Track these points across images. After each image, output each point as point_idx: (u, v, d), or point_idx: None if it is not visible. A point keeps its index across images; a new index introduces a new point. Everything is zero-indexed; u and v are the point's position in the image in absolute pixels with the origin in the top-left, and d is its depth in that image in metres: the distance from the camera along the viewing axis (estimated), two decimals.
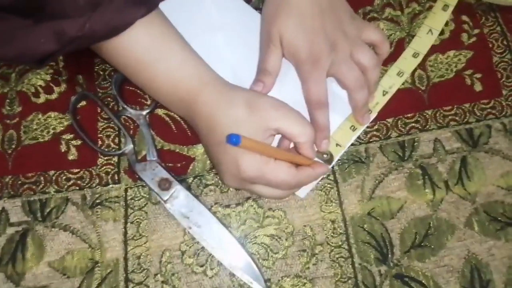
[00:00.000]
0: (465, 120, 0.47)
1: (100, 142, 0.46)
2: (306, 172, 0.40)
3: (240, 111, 0.39)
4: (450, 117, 0.47)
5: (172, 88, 0.41)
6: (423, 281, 0.42)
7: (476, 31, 0.51)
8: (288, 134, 0.40)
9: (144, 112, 0.47)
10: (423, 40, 0.49)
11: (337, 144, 0.45)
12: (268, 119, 0.39)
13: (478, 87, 0.49)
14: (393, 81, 0.48)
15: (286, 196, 0.43)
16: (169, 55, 0.41)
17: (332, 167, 0.45)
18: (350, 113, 0.46)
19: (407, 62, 0.49)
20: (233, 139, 0.34)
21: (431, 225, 0.44)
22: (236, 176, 0.39)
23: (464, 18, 0.51)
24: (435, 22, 0.50)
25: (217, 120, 0.39)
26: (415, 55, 0.49)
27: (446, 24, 0.51)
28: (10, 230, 0.43)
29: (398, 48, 0.50)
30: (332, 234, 0.43)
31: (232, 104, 0.39)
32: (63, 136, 0.46)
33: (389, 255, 0.43)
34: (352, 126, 0.46)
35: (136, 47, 0.40)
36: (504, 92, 0.48)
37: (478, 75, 0.49)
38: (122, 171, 0.45)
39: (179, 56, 0.41)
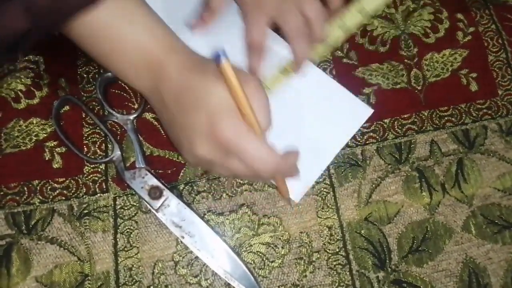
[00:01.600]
0: (461, 121, 0.47)
1: (86, 149, 0.44)
2: (287, 161, 0.35)
3: (211, 77, 0.33)
4: (446, 118, 0.47)
5: (141, 55, 0.37)
6: (421, 287, 0.41)
7: (472, 29, 0.50)
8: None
9: (131, 117, 0.45)
10: None
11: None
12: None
13: (474, 87, 0.48)
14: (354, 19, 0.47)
15: (257, 179, 0.40)
16: (138, 23, 0.37)
17: (328, 171, 0.44)
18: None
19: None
20: (219, 56, 0.31)
21: (428, 229, 0.43)
22: (209, 138, 0.33)
23: (459, 16, 0.50)
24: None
25: (189, 83, 0.34)
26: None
27: (441, 22, 0.50)
28: None
29: (393, 46, 0.49)
30: (329, 240, 0.42)
31: (204, 69, 0.35)
32: (47, 144, 0.44)
33: (387, 261, 0.42)
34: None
35: (106, 16, 0.36)
36: (499, 92, 0.48)
37: (474, 75, 0.48)
38: (110, 179, 0.43)
39: (149, 24, 0.38)
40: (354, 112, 0.45)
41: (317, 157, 0.44)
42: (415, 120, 0.46)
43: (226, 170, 0.35)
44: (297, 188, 0.43)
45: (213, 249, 0.41)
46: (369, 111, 0.45)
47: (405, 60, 0.48)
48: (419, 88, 0.48)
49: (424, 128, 0.46)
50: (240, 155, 0.32)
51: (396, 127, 0.46)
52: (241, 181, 0.44)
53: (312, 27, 0.42)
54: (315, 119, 0.45)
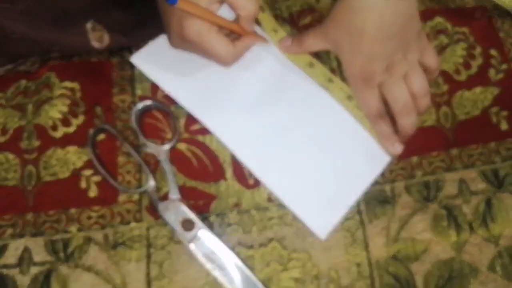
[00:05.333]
0: (491, 159, 0.47)
1: (120, 178, 0.45)
2: (241, 45, 0.43)
3: None
4: (475, 156, 0.47)
5: None
6: None
7: (504, 66, 0.50)
8: (232, 4, 0.41)
9: (165, 147, 0.46)
10: None
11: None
12: None
13: (504, 125, 0.48)
14: None
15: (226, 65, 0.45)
16: None
17: (358, 207, 0.45)
18: None
19: None
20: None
21: (454, 268, 0.44)
22: (179, 36, 0.41)
23: (493, 52, 0.50)
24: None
25: None
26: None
27: (474, 58, 0.50)
28: (34, 270, 0.42)
29: None
30: (357, 277, 0.43)
31: None
32: (83, 172, 0.45)
33: None
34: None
35: None
36: None
37: (504, 113, 0.48)
38: (144, 209, 0.44)
39: None
40: (377, 154, 0.46)
41: (342, 194, 0.45)
42: (444, 158, 0.47)
43: (200, 56, 0.44)
44: (323, 225, 0.44)
45: (243, 282, 0.42)
46: (386, 160, 0.46)
47: (435, 98, 0.49)
48: (448, 126, 0.48)
49: (453, 166, 0.47)
50: (204, 53, 0.42)
51: (424, 165, 0.47)
52: (271, 215, 0.45)
53: (416, 102, 0.43)
54: (340, 155, 0.46)
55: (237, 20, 0.43)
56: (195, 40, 0.40)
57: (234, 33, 0.43)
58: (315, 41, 0.46)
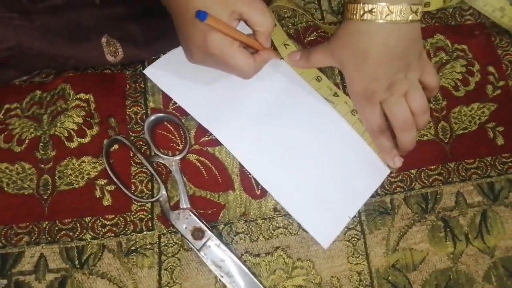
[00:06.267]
0: (487, 173, 0.49)
1: (133, 188, 0.47)
2: (260, 59, 0.45)
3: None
4: (472, 170, 0.49)
5: None
6: None
7: (502, 83, 0.52)
8: (249, 21, 0.43)
9: (177, 158, 0.48)
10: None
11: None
12: (235, 3, 0.41)
13: (500, 140, 0.50)
14: None
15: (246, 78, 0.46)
16: None
17: (360, 218, 0.47)
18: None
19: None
20: (201, 15, 0.39)
21: (451, 277, 0.46)
22: (202, 50, 0.42)
23: (491, 69, 0.52)
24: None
25: (192, 4, 0.41)
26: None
27: (472, 75, 0.52)
28: (49, 277, 0.44)
29: None
30: (358, 286, 0.45)
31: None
32: (98, 182, 0.47)
33: None
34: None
35: None
36: None
37: (501, 128, 0.50)
38: (155, 218, 0.46)
39: None
40: (378, 166, 0.49)
41: (344, 205, 0.47)
42: (442, 171, 0.49)
43: (219, 69, 0.46)
44: (326, 235, 0.46)
45: None
46: (386, 173, 0.48)
47: (434, 113, 0.51)
48: (446, 140, 0.50)
49: (450, 179, 0.49)
50: (226, 66, 0.43)
51: (423, 177, 0.49)
52: (277, 225, 0.47)
53: (416, 119, 0.45)
54: (343, 167, 0.48)
55: (254, 35, 0.45)
56: (218, 54, 0.41)
57: (252, 48, 0.45)
58: (321, 58, 0.48)
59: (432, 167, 0.49)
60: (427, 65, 0.46)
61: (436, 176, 0.49)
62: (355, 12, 0.42)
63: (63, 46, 0.46)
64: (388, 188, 0.48)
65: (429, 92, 0.47)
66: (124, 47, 0.48)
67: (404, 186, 0.48)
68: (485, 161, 0.50)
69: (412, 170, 0.49)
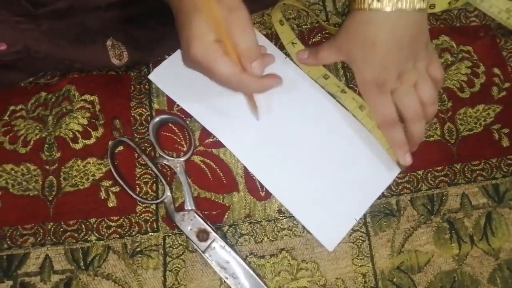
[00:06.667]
0: (492, 175, 0.49)
1: (138, 189, 0.47)
2: (250, 78, 0.42)
3: (196, 6, 0.40)
4: (477, 172, 0.49)
5: None
6: None
7: (507, 84, 0.52)
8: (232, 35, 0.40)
9: (181, 160, 0.48)
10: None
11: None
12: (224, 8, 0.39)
13: (505, 142, 0.50)
14: None
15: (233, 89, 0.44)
16: None
17: (365, 220, 0.47)
18: None
19: None
20: None
21: (456, 279, 0.46)
22: (187, 55, 0.41)
23: (496, 70, 0.52)
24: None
25: (181, 7, 0.41)
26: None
27: (477, 76, 0.52)
28: (54, 278, 0.44)
29: None
30: (362, 287, 0.45)
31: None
32: (103, 183, 0.47)
33: None
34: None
35: None
36: None
37: (506, 130, 0.50)
38: (160, 219, 0.46)
39: None
40: (385, 168, 0.48)
41: (349, 208, 0.47)
42: (448, 172, 0.49)
43: (208, 78, 0.43)
44: (331, 237, 0.46)
45: None
46: (394, 174, 0.48)
47: (440, 114, 0.51)
48: (452, 141, 0.50)
49: (456, 181, 0.49)
50: (209, 72, 0.41)
51: (429, 178, 0.49)
52: (281, 226, 0.47)
53: (425, 109, 0.45)
54: (348, 169, 0.48)
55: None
56: (200, 59, 0.40)
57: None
58: (329, 54, 0.48)
59: (438, 168, 0.49)
60: (433, 57, 0.46)
61: (442, 178, 0.49)
62: (363, 1, 0.42)
63: (69, 49, 0.46)
64: (394, 190, 0.48)
65: (435, 84, 0.46)
66: (129, 50, 0.48)
67: (411, 187, 0.48)
68: (490, 162, 0.49)
69: (419, 171, 0.49)
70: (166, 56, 0.51)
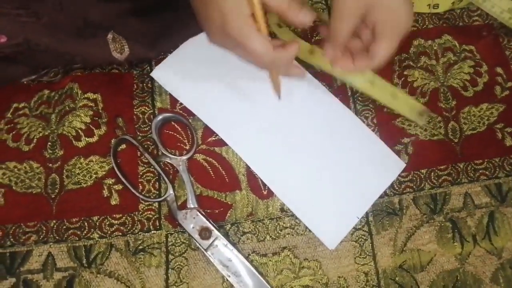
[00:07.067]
0: (495, 174, 0.49)
1: (140, 187, 0.47)
2: (279, 49, 0.41)
3: None
4: (480, 171, 0.49)
5: None
6: None
7: (510, 84, 0.52)
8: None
9: (184, 158, 0.48)
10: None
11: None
12: None
13: (508, 141, 0.50)
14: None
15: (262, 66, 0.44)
16: None
17: (367, 218, 0.47)
18: None
19: None
20: None
21: (458, 278, 0.46)
22: (220, 30, 0.40)
23: (498, 70, 0.52)
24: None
25: None
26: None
27: (480, 75, 0.52)
28: (57, 275, 0.44)
29: (432, 98, 0.51)
30: (365, 286, 0.45)
31: None
32: (105, 181, 0.47)
33: None
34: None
35: None
36: None
37: (509, 129, 0.50)
38: (163, 217, 0.46)
39: None
40: (388, 165, 0.48)
41: (351, 206, 0.47)
42: (451, 172, 0.49)
43: (236, 55, 0.44)
44: (332, 236, 0.46)
45: None
46: (402, 166, 0.48)
47: (443, 113, 0.51)
48: (456, 140, 0.50)
49: (459, 180, 0.49)
50: (242, 48, 0.40)
51: (432, 178, 0.49)
52: (284, 225, 0.47)
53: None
54: (351, 168, 0.48)
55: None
56: (236, 35, 0.39)
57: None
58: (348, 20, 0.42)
59: (441, 167, 0.49)
60: None
61: (446, 177, 0.49)
62: None
63: (69, 42, 0.46)
64: (397, 188, 0.48)
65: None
66: (130, 44, 0.48)
67: (414, 186, 0.48)
68: (493, 162, 0.49)
69: (422, 170, 0.49)
70: (168, 53, 0.50)
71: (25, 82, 0.50)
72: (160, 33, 0.50)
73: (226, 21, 0.39)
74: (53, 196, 0.46)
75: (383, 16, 0.41)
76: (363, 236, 0.47)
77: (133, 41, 0.48)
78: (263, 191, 0.48)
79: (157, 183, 0.47)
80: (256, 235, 0.46)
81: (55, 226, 0.45)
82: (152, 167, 0.48)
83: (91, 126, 0.49)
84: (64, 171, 0.47)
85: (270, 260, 0.46)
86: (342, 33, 0.42)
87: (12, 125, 0.48)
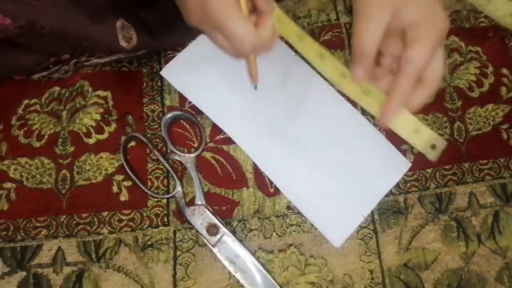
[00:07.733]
0: (500, 175, 0.49)
1: (149, 184, 0.48)
2: (261, 30, 0.38)
3: None
4: (485, 171, 0.49)
5: None
6: None
7: None
8: None
9: (192, 155, 0.48)
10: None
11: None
12: None
13: None
14: None
15: (238, 55, 0.40)
16: None
17: (373, 217, 0.47)
18: None
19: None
20: None
21: (463, 277, 0.46)
22: (199, 10, 0.37)
23: (504, 71, 0.53)
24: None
25: None
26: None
27: (486, 76, 0.52)
28: (66, 270, 0.45)
29: (438, 98, 0.51)
30: (370, 284, 0.46)
31: None
32: (115, 177, 0.48)
33: None
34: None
35: None
36: None
37: None
38: (171, 214, 0.47)
39: None
40: (394, 164, 0.49)
41: (357, 205, 0.48)
42: (456, 171, 0.49)
43: (213, 40, 0.39)
44: (338, 234, 0.47)
45: (262, 285, 0.45)
46: (407, 165, 0.49)
47: (449, 113, 0.51)
48: (461, 140, 0.50)
49: (464, 180, 0.49)
50: (222, 31, 0.37)
51: (437, 177, 0.49)
52: (290, 222, 0.47)
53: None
54: (357, 166, 0.49)
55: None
56: (216, 15, 0.36)
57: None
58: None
59: (447, 167, 0.49)
60: None
61: (451, 176, 0.49)
62: None
63: (76, 25, 0.45)
64: (402, 187, 0.49)
65: None
66: (138, 33, 0.47)
67: (419, 186, 0.49)
68: (498, 162, 0.50)
69: (428, 169, 0.49)
70: (175, 45, 0.51)
71: (35, 79, 0.51)
72: (167, 25, 0.50)
73: (206, 1, 0.36)
74: (63, 192, 0.47)
75: (415, 15, 0.36)
76: (368, 234, 0.47)
77: (141, 31, 0.48)
78: (270, 188, 0.48)
79: (166, 180, 0.48)
80: (262, 232, 0.47)
81: (65, 221, 0.46)
82: (161, 164, 0.48)
83: (101, 123, 0.49)
84: (75, 167, 0.48)
85: (276, 257, 0.46)
86: (369, 43, 0.37)
87: (24, 121, 0.49)
